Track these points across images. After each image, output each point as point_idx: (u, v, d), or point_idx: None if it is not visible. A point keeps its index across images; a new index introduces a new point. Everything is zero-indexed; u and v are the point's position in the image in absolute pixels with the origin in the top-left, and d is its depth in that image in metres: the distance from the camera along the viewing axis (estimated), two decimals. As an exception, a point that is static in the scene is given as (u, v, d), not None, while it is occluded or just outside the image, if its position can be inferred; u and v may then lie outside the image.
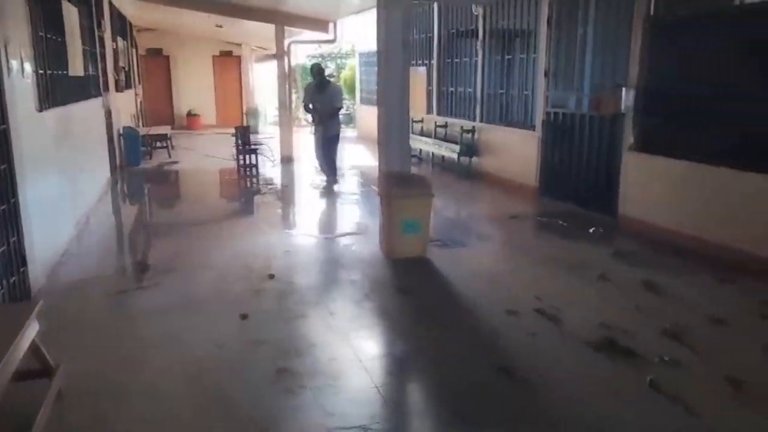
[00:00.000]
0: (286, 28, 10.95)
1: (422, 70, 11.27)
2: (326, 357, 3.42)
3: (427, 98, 11.18)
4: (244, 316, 3.90)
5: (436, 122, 10.68)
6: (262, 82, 19.26)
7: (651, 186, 5.87)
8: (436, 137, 10.50)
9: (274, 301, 4.26)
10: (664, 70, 5.66)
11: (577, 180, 7.03)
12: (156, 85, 18.02)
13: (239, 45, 18.13)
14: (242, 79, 18.49)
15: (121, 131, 10.62)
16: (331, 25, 11.26)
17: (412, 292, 4.51)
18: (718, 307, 4.07)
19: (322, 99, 8.47)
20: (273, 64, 15.55)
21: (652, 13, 5.68)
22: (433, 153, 10.59)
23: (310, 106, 8.73)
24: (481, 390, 3.06)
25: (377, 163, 5.71)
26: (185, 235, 6.14)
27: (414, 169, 10.58)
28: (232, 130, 10.49)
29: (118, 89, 10.78)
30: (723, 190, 5.08)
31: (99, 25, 8.77)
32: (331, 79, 8.78)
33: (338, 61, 20.72)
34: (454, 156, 9.56)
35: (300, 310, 4.09)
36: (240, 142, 10.21)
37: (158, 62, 18.05)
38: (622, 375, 3.20)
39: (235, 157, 10.32)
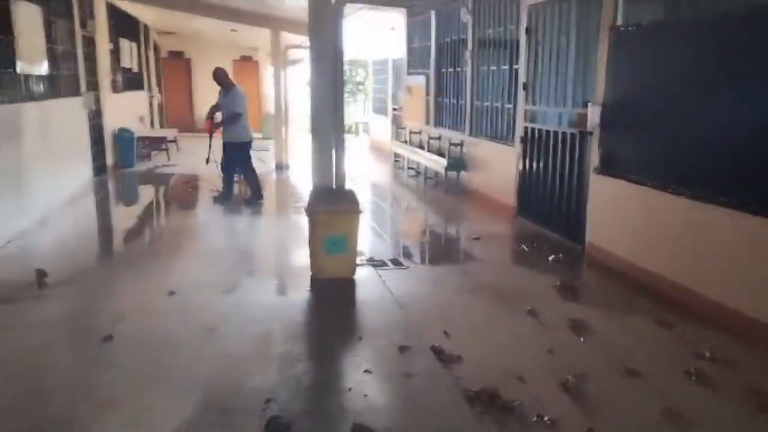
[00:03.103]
0: (282, 33, 10.76)
1: (421, 79, 10.90)
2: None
3: (425, 109, 10.80)
4: (108, 338, 3.62)
5: (429, 134, 10.30)
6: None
7: (615, 213, 5.35)
8: (429, 150, 10.10)
9: (147, 321, 3.94)
10: (629, 85, 5.15)
11: (551, 202, 6.53)
12: (177, 88, 18.18)
13: (257, 50, 18.15)
14: (260, 84, 18.49)
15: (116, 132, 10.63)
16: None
17: (316, 317, 4.17)
18: (641, 356, 3.58)
19: (225, 103, 7.73)
20: (295, 69, 15.47)
21: (619, 21, 5.19)
22: (426, 167, 10.18)
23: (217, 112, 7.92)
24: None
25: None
26: (118, 245, 5.96)
27: (412, 183, 10.34)
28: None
29: (115, 90, 10.81)
30: (682, 224, 4.54)
31: (84, 25, 8.74)
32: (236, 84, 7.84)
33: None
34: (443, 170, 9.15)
35: (174, 331, 3.79)
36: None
37: (179, 65, 18.21)
38: (484, 435, 2.78)
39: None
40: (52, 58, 7.23)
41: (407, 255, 5.87)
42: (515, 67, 7.35)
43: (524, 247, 5.99)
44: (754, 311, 3.86)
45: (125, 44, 11.96)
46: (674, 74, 4.64)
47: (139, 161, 11.31)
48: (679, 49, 4.60)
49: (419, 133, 11.02)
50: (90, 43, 9.20)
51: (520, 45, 7.14)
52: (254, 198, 7.88)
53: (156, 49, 16.71)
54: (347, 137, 20.08)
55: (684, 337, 3.89)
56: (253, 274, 4.98)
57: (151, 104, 15.12)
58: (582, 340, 3.84)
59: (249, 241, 6.18)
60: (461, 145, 8.99)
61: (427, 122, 10.75)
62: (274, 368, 3.32)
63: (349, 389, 3.11)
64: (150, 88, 15.10)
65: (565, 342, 3.80)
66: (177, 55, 18.20)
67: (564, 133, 6.18)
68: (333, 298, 4.49)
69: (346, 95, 23.66)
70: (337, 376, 3.28)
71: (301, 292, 4.57)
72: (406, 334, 3.84)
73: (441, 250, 6.33)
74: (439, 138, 9.94)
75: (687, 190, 4.44)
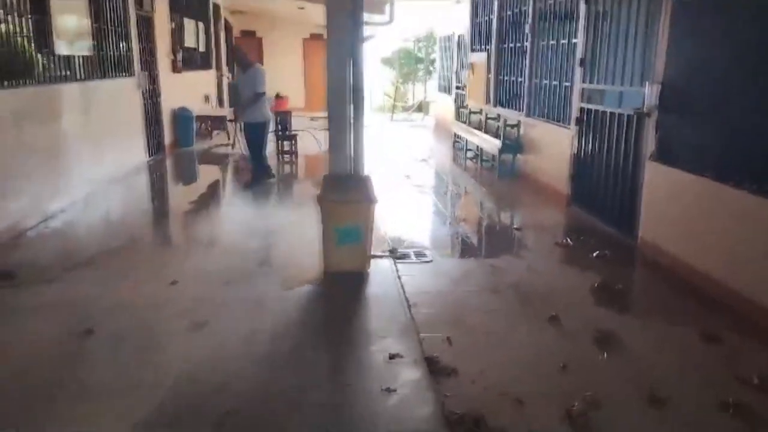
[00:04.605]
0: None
1: (483, 56, 10.29)
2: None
3: (486, 87, 10.20)
4: (89, 331, 3.49)
5: (488, 114, 9.71)
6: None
7: (669, 206, 4.70)
8: (486, 130, 9.53)
9: (139, 313, 3.78)
10: (692, 62, 4.45)
11: (604, 191, 5.89)
12: (249, 67, 18.35)
13: (326, 28, 17.95)
14: (329, 62, 18.31)
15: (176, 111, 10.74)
16: (387, 7, 10.55)
17: (313, 316, 3.89)
18: (672, 379, 3.05)
19: (244, 82, 7.39)
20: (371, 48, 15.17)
21: (682, -12, 4.49)
22: (481, 149, 9.60)
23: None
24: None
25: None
26: (146, 227, 5.92)
27: (468, 165, 9.82)
28: (316, 114, 10.02)
29: (175, 70, 10.91)
30: (742, 222, 3.88)
31: (140, 5, 8.80)
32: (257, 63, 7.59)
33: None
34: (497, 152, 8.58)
35: (163, 323, 3.63)
36: (279, 127, 9.94)
37: (251, 44, 18.31)
38: (454, 470, 2.40)
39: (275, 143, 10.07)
40: (99, 38, 7.28)
41: (436, 245, 5.47)
42: (573, 41, 6.68)
43: (568, 240, 5.43)
44: (822, 333, 3.21)
45: (190, 24, 12.05)
46: (744, 51, 3.93)
47: (199, 140, 11.42)
48: (750, 21, 3.88)
49: (479, 112, 10.45)
50: (148, 23, 9.26)
51: (579, 17, 6.46)
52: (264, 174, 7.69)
53: (228, 28, 16.87)
54: (415, 116, 19.56)
55: (731, 355, 3.30)
56: (263, 264, 4.72)
57: (219, 84, 15.29)
58: (605, 355, 3.34)
59: (271, 229, 5.87)
60: (518, 126, 8.39)
61: (487, 101, 10.16)
62: (247, 373, 3.07)
63: (318, 404, 2.81)
64: (219, 68, 15.25)
65: (584, 357, 3.31)
66: (249, 34, 18.34)
67: (620, 115, 5.51)
68: (338, 295, 4.16)
69: (420, 73, 23.15)
70: (310, 386, 2.96)
71: (306, 287, 4.28)
72: (405, 339, 3.47)
73: (475, 241, 5.86)
74: (497, 118, 9.34)
75: (751, 185, 3.77)
